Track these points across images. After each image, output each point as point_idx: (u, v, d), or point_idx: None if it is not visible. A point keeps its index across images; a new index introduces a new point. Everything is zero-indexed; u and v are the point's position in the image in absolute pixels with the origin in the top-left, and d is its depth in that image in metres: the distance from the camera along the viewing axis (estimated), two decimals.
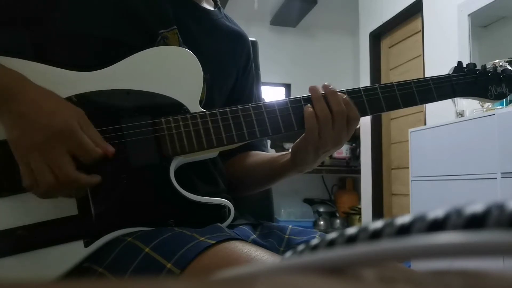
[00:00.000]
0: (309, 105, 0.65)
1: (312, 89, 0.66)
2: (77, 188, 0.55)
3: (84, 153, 0.54)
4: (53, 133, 0.52)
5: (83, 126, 0.55)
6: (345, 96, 0.65)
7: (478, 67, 0.77)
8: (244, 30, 0.86)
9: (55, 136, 0.52)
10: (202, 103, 0.71)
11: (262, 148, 0.84)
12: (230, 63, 0.80)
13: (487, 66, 0.78)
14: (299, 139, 0.67)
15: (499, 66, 0.79)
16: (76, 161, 0.54)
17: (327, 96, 0.65)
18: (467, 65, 0.77)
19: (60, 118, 0.53)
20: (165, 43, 0.68)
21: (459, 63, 0.77)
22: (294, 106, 0.66)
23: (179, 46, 0.69)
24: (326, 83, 0.67)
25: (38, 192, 0.54)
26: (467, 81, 0.75)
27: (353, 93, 0.68)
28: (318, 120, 0.63)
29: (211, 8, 0.80)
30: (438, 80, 0.73)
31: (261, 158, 0.79)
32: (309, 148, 0.65)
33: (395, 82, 0.71)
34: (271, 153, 0.78)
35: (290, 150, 0.71)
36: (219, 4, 0.84)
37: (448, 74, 0.75)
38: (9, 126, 0.54)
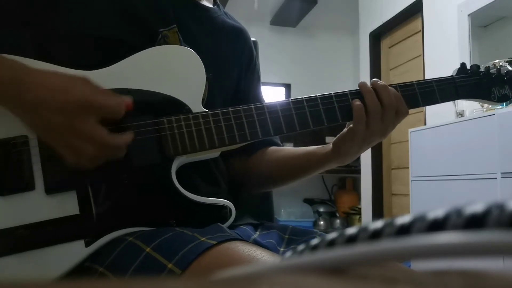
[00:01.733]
0: (357, 99, 0.67)
1: (363, 84, 0.68)
2: (117, 149, 0.56)
3: (110, 112, 0.55)
4: (74, 109, 0.52)
5: (94, 90, 0.55)
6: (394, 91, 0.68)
7: (481, 68, 0.77)
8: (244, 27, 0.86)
9: (77, 110, 0.53)
10: (204, 103, 0.71)
11: (278, 143, 0.85)
12: (231, 61, 0.80)
13: (487, 66, 0.77)
14: (344, 130, 0.69)
15: (499, 66, 0.78)
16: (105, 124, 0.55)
17: (378, 90, 0.67)
18: (471, 66, 0.76)
19: (75, 92, 0.53)
20: (166, 42, 0.68)
21: (463, 64, 0.76)
22: (296, 106, 0.66)
23: (180, 45, 0.69)
24: (375, 79, 0.69)
25: (84, 165, 0.55)
26: (470, 83, 0.74)
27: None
28: (368, 112, 0.66)
29: (210, 5, 0.80)
30: (441, 82, 0.72)
31: (293, 152, 0.79)
32: (355, 139, 0.67)
33: (397, 84, 0.71)
34: (304, 147, 0.78)
35: (330, 142, 0.73)
36: (218, 1, 0.84)
37: (452, 75, 0.75)
38: (29, 117, 0.54)
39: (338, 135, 0.71)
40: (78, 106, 0.53)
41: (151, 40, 0.67)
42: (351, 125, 0.68)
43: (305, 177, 0.80)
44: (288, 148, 0.81)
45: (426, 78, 0.74)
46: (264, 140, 0.78)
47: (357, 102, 0.66)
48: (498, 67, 0.78)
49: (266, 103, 0.66)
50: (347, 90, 0.68)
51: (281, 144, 0.86)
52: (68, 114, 0.52)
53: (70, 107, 0.52)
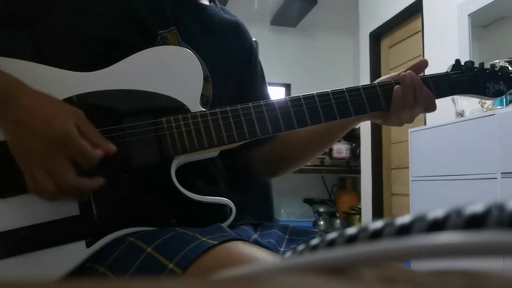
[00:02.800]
0: (398, 86, 0.71)
1: (405, 78, 0.72)
2: (80, 194, 0.56)
3: (83, 158, 0.54)
4: (51, 141, 0.52)
5: (82, 128, 0.54)
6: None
7: (476, 65, 0.78)
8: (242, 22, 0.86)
9: (53, 144, 0.52)
10: (210, 102, 0.71)
11: None
12: (232, 56, 0.80)
13: (482, 63, 0.78)
14: (373, 115, 0.74)
15: (499, 66, 0.79)
16: (77, 165, 0.54)
17: (415, 88, 0.71)
18: (465, 63, 0.77)
19: (57, 125, 0.52)
20: (165, 43, 0.68)
21: (457, 61, 0.77)
22: (294, 104, 0.66)
23: (179, 46, 0.69)
24: (410, 72, 0.72)
25: (42, 197, 0.54)
26: (465, 79, 0.75)
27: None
28: (404, 107, 0.71)
29: (207, 3, 0.80)
30: (436, 78, 0.73)
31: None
32: (387, 123, 0.74)
33: (393, 81, 0.71)
34: None
35: None
36: None
37: (447, 72, 0.76)
38: (8, 133, 0.54)
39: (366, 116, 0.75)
40: (55, 140, 0.52)
41: (150, 41, 0.67)
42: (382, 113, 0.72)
43: (332, 143, 0.84)
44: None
45: None
46: None
47: (399, 89, 0.70)
48: (498, 67, 0.79)
49: (264, 101, 0.66)
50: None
51: None
52: (43, 144, 0.52)
53: (48, 138, 0.52)
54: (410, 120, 0.73)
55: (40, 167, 0.52)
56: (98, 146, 0.55)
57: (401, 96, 0.70)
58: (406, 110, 0.71)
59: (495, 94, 0.78)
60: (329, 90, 0.69)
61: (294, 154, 0.84)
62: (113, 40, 0.65)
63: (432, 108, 0.73)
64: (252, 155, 0.82)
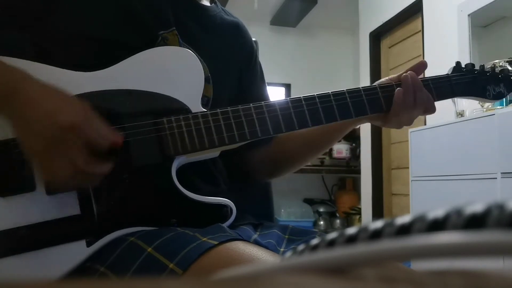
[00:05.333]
0: (399, 88, 0.71)
1: (406, 80, 0.72)
2: (92, 179, 0.56)
3: (93, 143, 0.54)
4: (60, 130, 0.52)
5: (89, 120, 0.54)
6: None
7: (477, 67, 0.78)
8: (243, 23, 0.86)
9: (62, 133, 0.52)
10: (210, 102, 0.71)
11: None
12: (232, 58, 0.80)
13: (487, 67, 0.78)
14: (372, 117, 0.74)
15: (499, 66, 0.79)
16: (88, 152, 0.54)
17: (415, 90, 0.71)
18: (466, 65, 0.77)
19: (64, 113, 0.53)
20: (165, 44, 0.68)
21: (458, 63, 0.77)
22: (295, 105, 0.67)
23: (179, 46, 0.69)
24: (411, 73, 0.73)
25: (55, 187, 0.55)
26: (465, 81, 0.75)
27: (343, 94, 0.70)
28: (404, 107, 0.71)
29: (208, 3, 0.80)
30: (436, 80, 0.73)
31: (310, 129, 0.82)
32: (386, 124, 0.74)
33: (394, 83, 0.71)
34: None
35: None
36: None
37: (447, 74, 0.76)
38: (16, 126, 0.54)
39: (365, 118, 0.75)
40: (66, 129, 0.52)
41: (151, 42, 0.67)
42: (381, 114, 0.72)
43: (330, 143, 0.84)
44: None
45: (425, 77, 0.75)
46: None
47: (400, 91, 0.71)
48: (498, 67, 0.79)
49: (265, 102, 0.66)
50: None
51: None
52: (55, 134, 0.52)
53: (58, 128, 0.52)
54: (409, 122, 0.73)
55: (52, 156, 0.52)
56: (105, 133, 0.55)
57: (401, 98, 0.70)
58: (406, 112, 0.71)
59: (496, 97, 0.78)
60: (329, 91, 0.69)
61: (292, 156, 0.84)
62: (113, 41, 0.65)
63: (431, 110, 0.73)
64: (250, 156, 0.83)
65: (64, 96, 0.55)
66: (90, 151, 0.54)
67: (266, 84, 0.90)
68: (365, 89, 0.71)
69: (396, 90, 0.71)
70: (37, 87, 0.54)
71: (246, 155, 0.82)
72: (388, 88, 0.71)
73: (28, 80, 0.54)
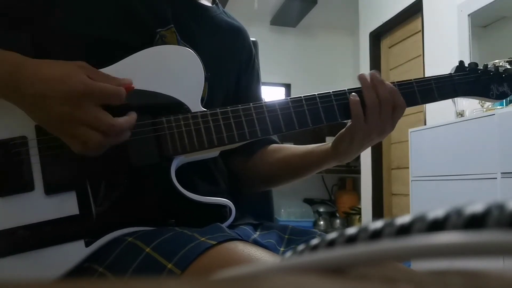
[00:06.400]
0: (354, 93, 0.67)
1: (363, 77, 0.68)
2: (122, 132, 0.56)
3: (111, 97, 0.55)
4: (75, 98, 0.52)
5: (92, 75, 0.55)
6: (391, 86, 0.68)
7: (479, 66, 0.77)
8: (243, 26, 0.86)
9: (77, 99, 0.53)
10: (204, 101, 0.71)
11: (277, 141, 0.85)
12: (230, 59, 0.80)
13: (486, 64, 0.78)
14: (343, 129, 0.70)
15: (500, 66, 0.79)
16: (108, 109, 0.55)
17: (376, 85, 0.67)
18: (469, 64, 0.77)
19: (73, 81, 0.53)
20: (164, 42, 0.68)
21: (461, 62, 0.77)
22: (295, 105, 0.66)
23: (177, 44, 0.69)
24: (373, 71, 0.69)
25: (92, 152, 0.55)
26: (468, 81, 0.75)
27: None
28: (366, 108, 0.66)
29: (209, 4, 0.80)
30: (439, 80, 0.73)
31: (293, 150, 0.79)
32: (355, 137, 0.68)
33: (396, 82, 0.71)
34: (304, 145, 0.79)
35: (329, 142, 0.74)
36: (217, 0, 0.84)
37: (450, 73, 0.75)
38: (32, 110, 0.54)
39: (337, 134, 0.71)
40: (78, 95, 0.53)
41: (149, 40, 0.67)
42: (349, 124, 0.68)
43: (305, 175, 0.80)
44: (288, 147, 0.82)
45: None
46: (264, 139, 0.78)
47: (355, 97, 0.67)
48: (500, 66, 0.78)
49: (265, 102, 0.66)
50: (345, 88, 0.69)
51: (279, 142, 0.86)
52: (70, 103, 0.52)
53: (71, 96, 0.52)
54: (381, 129, 0.67)
55: (77, 124, 0.53)
56: (116, 84, 0.56)
57: (357, 100, 0.66)
58: (371, 114, 0.66)
59: (499, 96, 0.77)
60: (330, 91, 0.69)
61: (264, 173, 0.81)
62: (111, 40, 0.65)
63: (401, 103, 0.67)
64: (233, 166, 0.81)
65: (65, 64, 0.55)
66: (112, 104, 0.55)
67: (261, 86, 0.90)
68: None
69: (350, 96, 0.67)
70: (36, 64, 0.55)
71: (229, 161, 0.80)
72: (342, 96, 0.68)
73: (25, 60, 0.55)
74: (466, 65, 0.76)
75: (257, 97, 0.85)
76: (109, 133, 0.54)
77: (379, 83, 0.67)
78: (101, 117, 0.53)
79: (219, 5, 0.83)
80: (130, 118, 0.57)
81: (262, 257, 0.49)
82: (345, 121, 0.70)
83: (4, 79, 0.54)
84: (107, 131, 0.54)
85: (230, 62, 0.80)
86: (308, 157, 0.76)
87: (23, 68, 0.54)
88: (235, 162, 0.81)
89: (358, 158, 3.93)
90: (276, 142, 0.85)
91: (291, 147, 0.81)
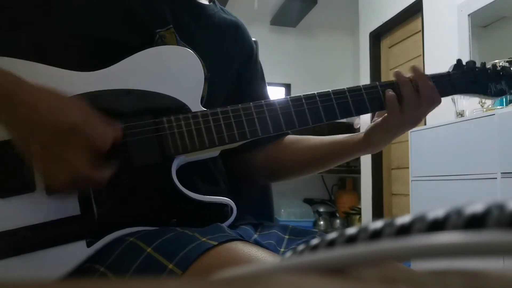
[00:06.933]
0: (389, 89, 0.70)
1: (398, 74, 0.71)
2: (93, 183, 0.55)
3: (94, 145, 0.54)
4: (60, 133, 0.52)
5: (89, 120, 0.54)
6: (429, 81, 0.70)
7: (478, 65, 0.77)
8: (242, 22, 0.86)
9: (62, 136, 0.52)
10: (204, 101, 0.71)
11: (289, 133, 0.86)
12: (231, 57, 0.80)
13: (483, 62, 0.78)
14: (377, 120, 0.72)
15: (499, 66, 0.79)
16: (88, 154, 0.54)
17: (416, 78, 0.69)
18: (467, 62, 0.77)
19: (63, 118, 0.52)
20: (163, 42, 0.68)
21: (459, 60, 0.77)
22: (295, 104, 0.67)
23: (177, 44, 0.69)
24: (414, 65, 0.72)
25: (55, 191, 0.54)
26: (466, 79, 0.75)
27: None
28: (403, 101, 0.69)
29: (206, 2, 0.80)
30: (438, 78, 0.73)
31: (321, 140, 0.80)
32: (389, 128, 0.71)
33: (395, 81, 0.71)
34: (330, 136, 0.80)
35: (360, 132, 0.76)
36: None
37: (448, 71, 0.75)
38: (14, 131, 0.53)
39: (370, 125, 0.73)
40: (65, 132, 0.52)
41: (148, 40, 0.67)
42: (385, 114, 0.71)
43: (332, 165, 0.82)
44: (310, 137, 0.82)
45: None
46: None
47: (390, 92, 0.69)
48: (497, 65, 0.79)
49: (265, 101, 0.66)
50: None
51: (291, 134, 0.86)
52: (54, 138, 0.51)
53: (57, 131, 0.51)
54: (415, 120, 0.71)
55: (52, 160, 0.52)
56: (105, 131, 0.55)
57: (393, 96, 0.69)
58: (409, 107, 0.69)
59: (497, 94, 0.77)
60: (330, 90, 0.69)
61: (292, 164, 0.82)
62: (111, 40, 0.65)
63: (438, 99, 0.70)
64: (250, 157, 0.82)
65: (61, 97, 0.55)
66: (91, 153, 0.53)
67: (266, 84, 0.90)
68: (366, 87, 0.70)
69: (386, 90, 0.70)
70: (32, 90, 0.53)
71: (245, 156, 0.81)
72: (388, 86, 0.71)
73: (22, 84, 0.54)
74: (464, 63, 0.77)
75: (260, 93, 0.85)
76: (78, 179, 0.52)
77: (419, 76, 0.70)
78: (76, 161, 0.52)
79: (217, 2, 0.83)
80: (106, 172, 0.55)
81: (263, 257, 0.49)
82: (345, 120, 0.70)
83: None
84: (76, 176, 0.52)
85: (230, 59, 0.80)
86: (336, 147, 0.77)
87: (19, 91, 0.53)
88: (240, 158, 0.81)
89: (358, 158, 3.93)
90: (288, 134, 0.85)
91: (312, 138, 0.82)
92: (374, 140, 0.73)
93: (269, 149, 0.82)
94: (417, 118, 0.71)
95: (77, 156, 0.52)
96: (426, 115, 0.72)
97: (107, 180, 0.55)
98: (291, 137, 0.83)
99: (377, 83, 0.72)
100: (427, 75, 0.71)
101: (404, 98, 0.69)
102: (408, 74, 0.71)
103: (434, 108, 0.71)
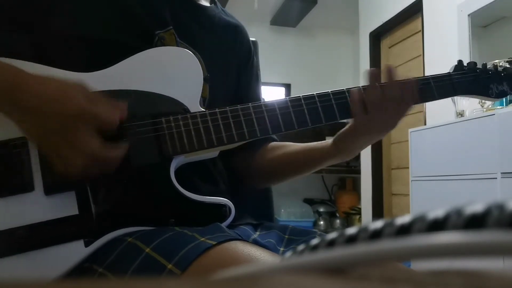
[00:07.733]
0: (353, 90, 0.67)
1: (369, 73, 0.68)
2: (107, 163, 0.55)
3: (103, 124, 0.54)
4: (69, 119, 0.52)
5: (94, 102, 0.54)
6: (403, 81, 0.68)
7: (479, 66, 0.77)
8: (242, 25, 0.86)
9: (70, 121, 0.52)
10: (206, 102, 0.71)
11: (275, 139, 0.86)
12: (230, 58, 0.80)
13: (488, 66, 0.78)
14: (346, 126, 0.70)
15: (499, 66, 0.79)
16: (99, 134, 0.54)
17: (385, 79, 0.67)
18: (468, 63, 0.77)
19: (69, 101, 0.52)
20: (162, 43, 0.68)
21: (460, 61, 0.77)
22: (294, 104, 0.66)
23: (176, 46, 0.69)
24: (387, 64, 0.69)
25: (73, 175, 0.54)
26: (467, 80, 0.75)
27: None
28: (367, 104, 0.66)
29: (207, 4, 0.80)
30: (439, 79, 0.73)
31: (295, 148, 0.80)
32: (356, 133, 0.69)
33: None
34: (306, 143, 0.79)
35: (330, 139, 0.74)
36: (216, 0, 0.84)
37: (449, 72, 0.75)
38: (22, 123, 0.54)
39: (339, 131, 0.72)
40: (73, 116, 0.52)
41: (148, 42, 0.67)
42: (352, 120, 0.69)
43: (307, 172, 0.81)
44: (289, 144, 0.82)
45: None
46: (265, 137, 0.78)
47: (354, 94, 0.67)
48: (498, 67, 0.78)
49: (264, 101, 0.66)
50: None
51: (278, 140, 0.86)
52: (63, 124, 0.52)
53: (65, 117, 0.52)
54: (384, 125, 0.68)
55: (65, 145, 0.52)
56: (112, 109, 0.55)
57: (357, 99, 0.66)
58: (374, 110, 0.66)
59: (498, 95, 0.77)
60: (329, 90, 0.69)
61: (265, 169, 0.82)
62: (110, 41, 0.65)
63: (411, 99, 0.67)
64: (239, 161, 0.82)
65: (62, 83, 0.55)
66: (102, 132, 0.54)
67: (261, 86, 0.90)
68: (365, 87, 0.70)
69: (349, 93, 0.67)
70: (34, 79, 0.54)
71: (231, 159, 0.81)
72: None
73: (24, 74, 0.54)
74: (465, 64, 0.77)
75: (255, 96, 0.85)
76: (93, 162, 0.53)
77: (388, 78, 0.67)
78: (89, 144, 0.52)
79: (218, 4, 0.84)
80: (119, 150, 0.56)
81: (262, 257, 0.49)
82: (345, 120, 0.70)
83: (1, 90, 0.53)
84: (91, 159, 0.53)
85: (230, 60, 0.80)
86: (309, 154, 0.77)
87: (22, 81, 0.53)
88: (238, 160, 0.82)
89: (358, 158, 3.93)
90: (275, 140, 0.85)
91: (292, 145, 0.82)
92: (343, 147, 0.71)
93: (251, 154, 0.81)
94: (388, 122, 0.68)
95: (90, 138, 0.53)
96: (399, 119, 0.68)
97: (121, 159, 0.56)
98: (273, 144, 0.84)
99: (345, 89, 0.69)
100: (395, 75, 0.67)
101: (367, 101, 0.66)
102: (408, 75, 0.71)
103: (405, 111, 0.67)
